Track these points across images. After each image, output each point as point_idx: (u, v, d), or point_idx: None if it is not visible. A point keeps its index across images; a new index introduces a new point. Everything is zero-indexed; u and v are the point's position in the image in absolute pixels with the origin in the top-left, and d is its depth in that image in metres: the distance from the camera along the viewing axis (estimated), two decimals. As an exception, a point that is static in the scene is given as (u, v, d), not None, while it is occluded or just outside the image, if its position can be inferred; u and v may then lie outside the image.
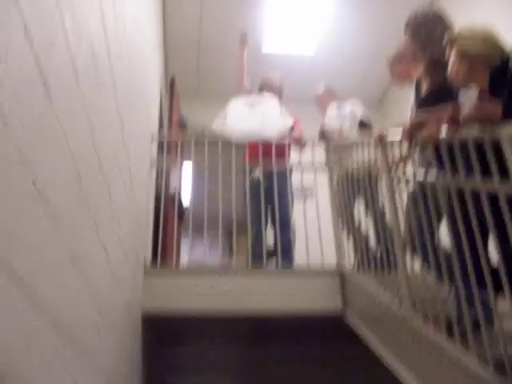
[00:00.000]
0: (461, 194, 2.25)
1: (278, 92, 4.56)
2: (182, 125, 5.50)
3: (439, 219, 2.58)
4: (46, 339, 1.24)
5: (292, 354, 4.61)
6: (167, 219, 3.92)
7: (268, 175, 3.89)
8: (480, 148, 2.15)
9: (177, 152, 4.13)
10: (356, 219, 3.52)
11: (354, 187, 3.46)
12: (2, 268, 0.96)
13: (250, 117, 3.47)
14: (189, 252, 3.79)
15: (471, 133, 2.21)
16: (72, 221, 1.46)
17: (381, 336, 2.80)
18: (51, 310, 1.25)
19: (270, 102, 3.46)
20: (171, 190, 4.26)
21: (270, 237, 4.06)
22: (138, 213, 3.08)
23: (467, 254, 2.10)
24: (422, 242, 2.53)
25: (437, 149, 2.47)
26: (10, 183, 1.01)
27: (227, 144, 3.88)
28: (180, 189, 4.33)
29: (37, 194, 1.16)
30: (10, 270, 1.00)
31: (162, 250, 3.61)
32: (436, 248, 2.47)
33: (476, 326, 2.07)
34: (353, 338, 3.15)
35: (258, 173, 3.75)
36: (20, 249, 1.05)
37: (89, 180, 1.67)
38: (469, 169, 2.21)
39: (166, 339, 4.20)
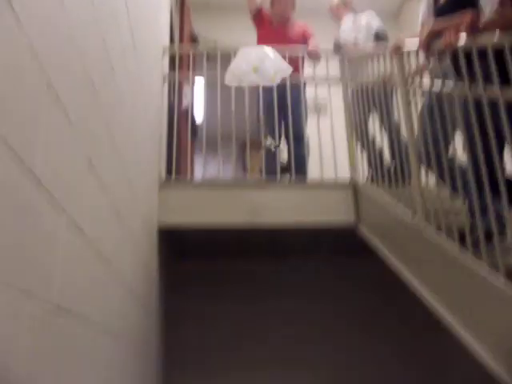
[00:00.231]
0: (478, 104, 2.21)
1: (291, 3, 4.44)
2: (194, 40, 5.39)
3: (454, 131, 2.55)
4: (67, 241, 1.27)
5: (305, 267, 4.71)
6: (180, 134, 3.91)
7: (282, 89, 3.84)
8: (499, 56, 2.09)
9: (189, 66, 4.07)
10: (370, 133, 3.49)
11: (368, 100, 3.41)
12: (21, 170, 0.97)
13: (254, 80, 3.39)
14: (202, 169, 3.80)
15: (491, 40, 2.16)
16: (86, 125, 1.45)
17: (393, 247, 2.84)
18: (70, 213, 1.28)
19: (270, 64, 3.35)
20: (184, 105, 4.22)
21: (283, 151, 4.05)
22: (152, 126, 3.07)
23: (482, 164, 2.09)
24: (437, 154, 2.52)
25: (454, 58, 2.41)
26: (25, 87, 1.01)
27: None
28: (193, 104, 4.29)
29: (51, 97, 1.16)
30: (29, 172, 1.01)
31: (176, 164, 3.62)
32: (451, 160, 2.46)
33: (488, 236, 2.09)
34: (365, 251, 3.20)
35: (271, 141, 3.68)
36: (36, 151, 1.06)
37: (101, 86, 1.66)
38: (487, 78, 2.17)
39: (181, 253, 4.30)
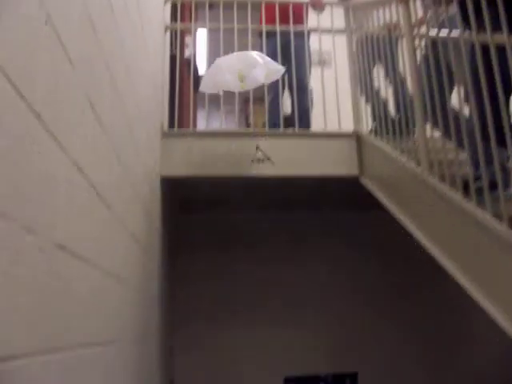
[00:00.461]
0: (485, 52, 2.17)
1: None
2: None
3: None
4: (68, 181, 1.26)
5: (308, 219, 4.72)
6: (182, 85, 3.87)
7: (285, 39, 3.77)
8: (508, 1, 2.05)
9: (191, 17, 3.99)
10: (375, 84, 3.45)
11: (373, 51, 3.35)
12: (22, 104, 0.96)
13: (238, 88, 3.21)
14: (205, 123, 3.77)
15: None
16: (87, 66, 1.43)
17: (396, 197, 2.84)
18: (71, 152, 1.26)
19: (260, 70, 3.17)
20: (186, 56, 4.17)
21: (287, 103, 4.01)
22: (153, 75, 3.03)
23: (488, 112, 2.07)
24: (442, 105, 2.49)
25: (462, 4, 2.35)
26: (21, 20, 0.98)
27: (243, 5, 3.76)
28: (195, 55, 4.23)
29: (50, 32, 1.13)
30: (30, 107, 1.00)
31: (178, 117, 3.59)
32: (454, 111, 2.44)
33: (492, 186, 2.08)
34: (368, 201, 3.20)
35: (262, 153, 3.55)
36: (36, 86, 1.04)
37: (102, 29, 1.62)
38: (496, 24, 2.12)
39: (185, 205, 4.30)
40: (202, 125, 5.43)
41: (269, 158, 3.32)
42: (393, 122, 3.06)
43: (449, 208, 2.27)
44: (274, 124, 3.66)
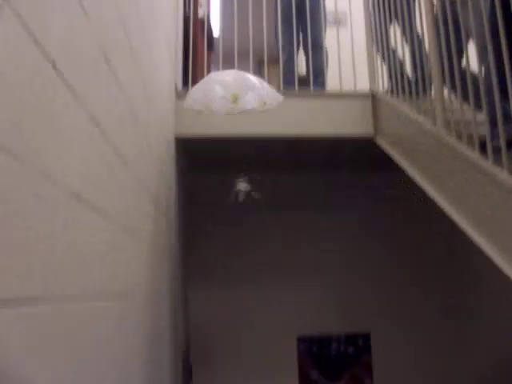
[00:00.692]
0: (505, 4, 2.12)
1: None
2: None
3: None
4: (85, 132, 1.26)
5: (322, 179, 4.72)
6: (196, 46, 3.83)
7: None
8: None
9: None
10: (391, 43, 3.39)
11: (390, 8, 3.28)
12: (37, 50, 0.95)
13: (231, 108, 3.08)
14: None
15: None
16: (102, 20, 1.42)
17: (412, 156, 2.82)
18: (87, 103, 1.26)
19: (257, 94, 3.04)
20: (200, 16, 4.13)
21: (302, 64, 3.98)
22: (168, 36, 3.01)
23: (508, 69, 2.03)
24: (459, 67, 2.45)
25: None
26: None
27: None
28: (209, 15, 4.18)
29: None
30: (47, 56, 0.99)
31: (192, 77, 3.57)
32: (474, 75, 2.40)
33: (510, 144, 2.05)
34: (383, 164, 3.18)
35: (244, 185, 3.43)
36: (51, 33, 1.03)
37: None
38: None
39: (196, 163, 4.30)
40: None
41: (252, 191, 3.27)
42: (409, 81, 3.01)
43: (466, 167, 2.25)
44: (288, 84, 3.62)
